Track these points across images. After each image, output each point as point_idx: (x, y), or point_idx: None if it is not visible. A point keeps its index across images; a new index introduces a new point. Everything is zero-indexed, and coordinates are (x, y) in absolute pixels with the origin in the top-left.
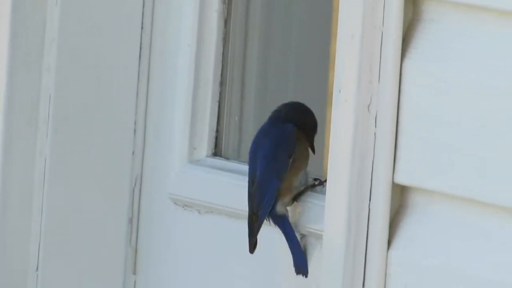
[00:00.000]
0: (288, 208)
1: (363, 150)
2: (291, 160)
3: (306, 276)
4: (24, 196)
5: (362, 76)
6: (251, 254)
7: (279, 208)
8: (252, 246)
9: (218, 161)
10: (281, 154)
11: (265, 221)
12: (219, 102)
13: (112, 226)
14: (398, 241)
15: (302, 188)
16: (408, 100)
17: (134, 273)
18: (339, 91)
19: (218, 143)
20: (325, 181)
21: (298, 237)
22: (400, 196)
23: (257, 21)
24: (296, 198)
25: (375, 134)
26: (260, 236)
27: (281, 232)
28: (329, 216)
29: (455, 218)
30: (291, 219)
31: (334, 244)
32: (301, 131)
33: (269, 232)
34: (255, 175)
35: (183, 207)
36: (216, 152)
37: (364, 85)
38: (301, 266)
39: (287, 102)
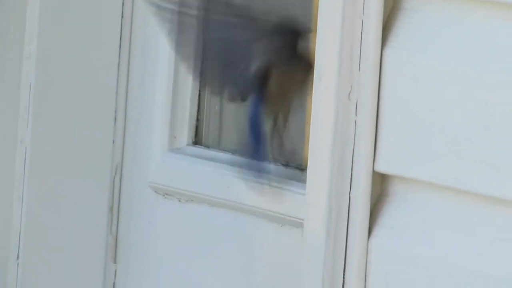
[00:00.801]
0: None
1: (344, 138)
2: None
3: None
4: (4, 185)
5: (342, 64)
6: (233, 242)
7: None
8: None
9: (198, 150)
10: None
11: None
12: (199, 91)
13: (92, 215)
14: (378, 230)
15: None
16: (388, 88)
17: (115, 261)
18: (320, 79)
19: (199, 131)
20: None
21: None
22: (381, 185)
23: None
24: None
25: (355, 122)
26: (241, 222)
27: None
28: (310, 204)
29: (436, 207)
30: (270, 207)
31: (315, 233)
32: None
33: (250, 219)
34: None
35: (164, 195)
36: (197, 140)
37: (345, 73)
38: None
39: None
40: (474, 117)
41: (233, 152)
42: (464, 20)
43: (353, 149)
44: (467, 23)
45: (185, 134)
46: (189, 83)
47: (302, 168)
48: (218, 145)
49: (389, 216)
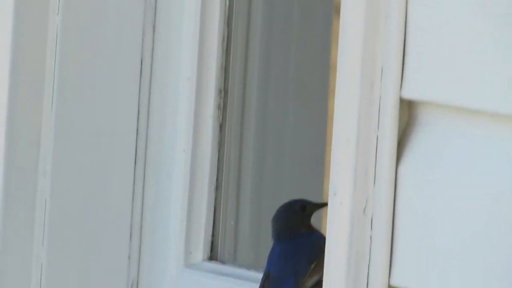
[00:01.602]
0: None
1: (359, 253)
2: (312, 266)
3: None
4: None
5: (357, 179)
6: None
7: None
8: None
9: (214, 265)
10: (303, 258)
11: None
12: (215, 207)
13: None
14: None
15: None
16: (404, 204)
17: None
18: (335, 194)
19: (214, 247)
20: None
21: None
22: None
23: (252, 125)
24: None
25: (370, 237)
26: None
27: None
28: None
29: None
30: None
31: None
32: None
33: None
34: (270, 268)
35: None
36: (212, 256)
37: (360, 188)
38: None
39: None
40: (492, 234)
41: (249, 268)
42: (480, 135)
43: (369, 264)
44: (483, 137)
45: (200, 249)
46: (204, 199)
47: None
48: (233, 261)
49: None
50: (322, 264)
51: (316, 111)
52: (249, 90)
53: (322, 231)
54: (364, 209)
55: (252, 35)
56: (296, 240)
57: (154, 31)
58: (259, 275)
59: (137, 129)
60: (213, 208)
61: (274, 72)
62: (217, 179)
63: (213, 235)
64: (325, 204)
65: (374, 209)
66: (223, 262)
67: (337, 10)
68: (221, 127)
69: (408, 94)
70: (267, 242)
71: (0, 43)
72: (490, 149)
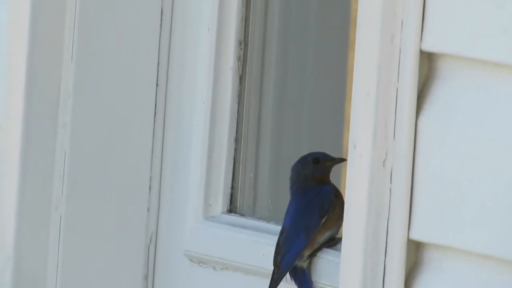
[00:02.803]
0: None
1: (379, 206)
2: (323, 220)
3: None
4: (39, 254)
5: (377, 132)
6: None
7: (299, 263)
8: None
9: (233, 218)
10: (314, 213)
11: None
12: (234, 159)
13: (127, 283)
14: None
15: (323, 247)
16: (423, 156)
17: None
18: (354, 147)
19: (233, 199)
20: (340, 238)
21: None
22: (416, 252)
23: (272, 77)
24: (313, 253)
25: (390, 190)
26: None
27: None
28: (345, 272)
29: (471, 275)
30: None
31: None
32: (339, 192)
33: (285, 285)
34: (286, 225)
35: (199, 263)
36: (231, 208)
37: (380, 141)
38: None
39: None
40: (508, 183)
41: (268, 220)
42: (496, 87)
43: (388, 217)
44: (499, 89)
45: (220, 202)
46: (224, 151)
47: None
48: (253, 213)
49: (424, 284)
50: (333, 218)
51: (336, 63)
52: (269, 42)
53: (342, 185)
54: (384, 162)
55: None
56: (308, 194)
57: None
58: (278, 228)
59: (157, 81)
60: (232, 161)
61: (294, 24)
62: (236, 132)
63: (232, 188)
64: (342, 160)
65: (393, 162)
66: (242, 214)
67: None
68: (241, 79)
69: (428, 47)
70: (286, 195)
71: None
72: (509, 102)
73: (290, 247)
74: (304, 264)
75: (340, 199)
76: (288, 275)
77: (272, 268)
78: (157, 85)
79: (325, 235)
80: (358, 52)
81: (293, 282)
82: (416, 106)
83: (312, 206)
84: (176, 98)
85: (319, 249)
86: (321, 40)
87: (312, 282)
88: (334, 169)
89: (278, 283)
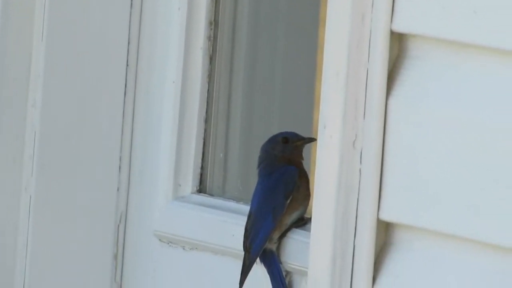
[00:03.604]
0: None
1: (348, 186)
2: (288, 201)
3: None
4: (8, 233)
5: (347, 112)
6: None
7: (269, 245)
8: (242, 283)
9: (203, 198)
10: (279, 194)
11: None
12: (204, 139)
13: (97, 262)
14: (383, 278)
15: (292, 228)
16: (393, 137)
17: None
18: (324, 127)
19: (203, 179)
20: (309, 218)
21: (284, 274)
22: (385, 233)
23: (242, 57)
24: (283, 234)
25: (360, 170)
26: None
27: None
28: (314, 252)
29: (440, 255)
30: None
31: (319, 281)
32: (303, 172)
33: (255, 268)
34: (252, 209)
35: (168, 243)
36: (201, 188)
37: (350, 121)
38: None
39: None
40: (480, 164)
41: (238, 200)
42: (466, 67)
43: (358, 197)
44: (469, 70)
45: (189, 182)
46: (193, 131)
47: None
48: (222, 194)
49: (394, 265)
50: (298, 199)
51: (306, 43)
52: (239, 22)
53: (311, 166)
54: (354, 142)
55: None
56: (273, 175)
57: None
58: (248, 208)
59: (127, 61)
60: (202, 141)
61: (264, 4)
62: (206, 112)
63: (202, 168)
64: (311, 139)
65: (363, 143)
66: (211, 194)
67: None
68: (211, 59)
69: (398, 27)
70: (256, 175)
71: None
72: (478, 82)
73: (258, 230)
74: (273, 246)
75: (305, 178)
76: (259, 258)
77: (242, 248)
78: (127, 65)
79: (293, 216)
80: (328, 32)
81: (262, 265)
82: (386, 87)
83: (277, 188)
84: (146, 78)
85: (288, 229)
86: (291, 19)
87: (280, 264)
88: (304, 149)
89: (250, 268)
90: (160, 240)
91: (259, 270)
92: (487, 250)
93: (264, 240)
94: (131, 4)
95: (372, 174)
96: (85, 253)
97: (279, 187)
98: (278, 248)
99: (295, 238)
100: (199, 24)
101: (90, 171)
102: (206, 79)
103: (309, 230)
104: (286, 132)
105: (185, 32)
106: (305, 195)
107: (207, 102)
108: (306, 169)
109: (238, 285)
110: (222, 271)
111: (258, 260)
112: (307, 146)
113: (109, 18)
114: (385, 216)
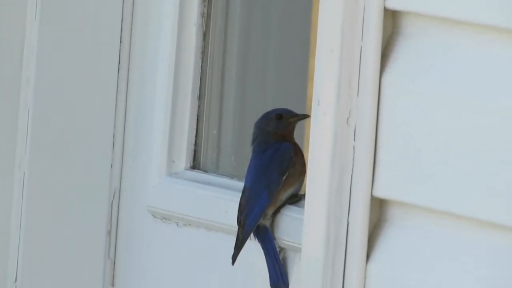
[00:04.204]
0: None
1: (342, 163)
2: (284, 178)
3: None
4: (2, 209)
5: (341, 89)
6: (231, 266)
7: (263, 221)
8: (234, 258)
9: (196, 174)
10: (274, 170)
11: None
12: (198, 116)
13: (90, 239)
14: (377, 255)
15: (286, 204)
16: (387, 114)
17: (112, 285)
18: (318, 104)
19: (197, 156)
20: (304, 195)
21: (278, 250)
22: (379, 210)
23: (236, 34)
24: (277, 211)
25: (354, 147)
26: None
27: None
28: (308, 229)
29: (434, 232)
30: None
31: (313, 258)
32: (298, 148)
33: (249, 244)
34: (247, 185)
35: (162, 219)
36: (195, 165)
37: (343, 98)
38: (278, 282)
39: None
40: (473, 142)
41: (231, 176)
42: (460, 44)
43: (352, 174)
44: (464, 47)
45: (183, 158)
46: (187, 108)
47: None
48: (216, 170)
49: (388, 241)
50: (294, 175)
51: (300, 19)
52: None
53: (305, 143)
54: (348, 119)
55: None
56: (267, 152)
57: None
58: (241, 184)
59: (121, 38)
60: (196, 117)
61: None
62: (200, 88)
63: (195, 144)
64: (305, 116)
65: (357, 120)
66: (205, 171)
67: None
68: (205, 35)
69: (392, 4)
70: (249, 151)
71: None
72: (472, 59)
73: (253, 206)
74: (267, 222)
75: (300, 155)
76: (253, 234)
77: (236, 224)
78: (120, 42)
79: (288, 192)
80: (322, 10)
81: (256, 240)
82: (380, 64)
83: (272, 164)
84: (140, 55)
85: (282, 206)
86: None
87: (274, 239)
88: (298, 126)
89: (243, 243)
90: (153, 216)
91: (253, 247)
92: (481, 227)
93: (258, 216)
94: None
95: (365, 151)
96: (78, 229)
97: (273, 164)
98: (272, 224)
99: (289, 215)
100: (193, 0)
101: (84, 148)
102: (200, 55)
103: (303, 206)
104: (280, 109)
105: (179, 9)
106: (301, 171)
107: (201, 79)
108: (301, 146)
109: (231, 261)
110: (216, 247)
111: (252, 236)
112: (300, 123)
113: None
114: (379, 193)
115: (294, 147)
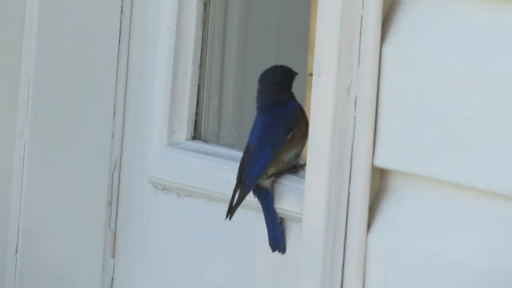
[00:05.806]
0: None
1: (343, 133)
2: (289, 136)
3: (283, 253)
4: (3, 180)
5: (341, 59)
6: (232, 237)
7: (262, 182)
8: (231, 214)
9: (197, 144)
10: (280, 129)
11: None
12: (199, 86)
13: (91, 209)
14: (377, 224)
15: (288, 166)
16: (387, 83)
17: (113, 256)
18: (319, 74)
19: (198, 126)
20: (304, 164)
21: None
22: (380, 179)
23: (237, 4)
24: (277, 175)
25: (354, 117)
26: (239, 216)
27: (261, 208)
28: (309, 199)
29: (435, 201)
30: None
31: (314, 227)
32: (302, 108)
33: (248, 213)
34: (251, 143)
35: (163, 190)
36: (196, 135)
37: (344, 68)
38: (278, 243)
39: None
40: (474, 112)
41: (232, 146)
42: (460, 13)
43: (352, 144)
44: (464, 16)
45: (184, 129)
46: (188, 78)
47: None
48: (217, 140)
49: (389, 211)
50: (298, 136)
51: None
52: None
53: (307, 112)
54: (348, 89)
55: None
56: (275, 111)
57: None
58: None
59: (121, 8)
60: (196, 87)
61: None
62: (201, 58)
63: (196, 114)
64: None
65: (358, 90)
66: (206, 141)
67: None
68: (206, 5)
69: None
70: (250, 121)
71: None
72: (474, 28)
73: (255, 162)
74: (268, 183)
75: (305, 116)
76: (251, 192)
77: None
78: (121, 11)
79: (291, 153)
80: None
81: (256, 199)
82: (380, 33)
83: (278, 123)
84: (141, 25)
85: (282, 172)
86: None
87: (273, 201)
88: (299, 98)
89: (243, 199)
90: (154, 186)
91: (254, 216)
92: (483, 196)
93: (260, 173)
94: None
95: (366, 121)
96: (79, 200)
97: (280, 122)
98: (272, 193)
99: (289, 185)
100: None
101: (85, 118)
102: (201, 25)
103: (303, 176)
104: (283, 66)
105: None
106: (304, 132)
107: (202, 48)
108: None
109: (232, 233)
110: (217, 217)
111: (251, 194)
112: (300, 93)
113: None
114: (380, 162)
115: (299, 106)
